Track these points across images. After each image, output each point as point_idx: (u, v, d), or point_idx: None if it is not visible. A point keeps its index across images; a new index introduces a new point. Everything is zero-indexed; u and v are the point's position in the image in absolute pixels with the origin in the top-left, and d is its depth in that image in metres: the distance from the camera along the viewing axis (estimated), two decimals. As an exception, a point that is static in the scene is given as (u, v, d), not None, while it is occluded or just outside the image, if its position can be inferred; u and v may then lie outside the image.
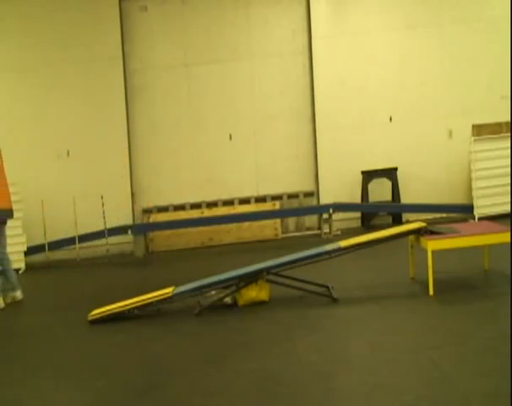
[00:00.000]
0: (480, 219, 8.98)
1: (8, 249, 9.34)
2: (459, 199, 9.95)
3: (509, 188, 8.88)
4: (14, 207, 9.30)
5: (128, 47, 10.38)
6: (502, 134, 9.68)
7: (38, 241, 9.69)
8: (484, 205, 9.31)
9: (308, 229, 10.37)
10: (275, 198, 10.30)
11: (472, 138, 9.60)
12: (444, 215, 9.89)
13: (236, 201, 10.26)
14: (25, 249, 9.46)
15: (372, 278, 6.42)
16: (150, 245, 10.20)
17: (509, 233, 5.47)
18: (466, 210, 9.50)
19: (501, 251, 5.88)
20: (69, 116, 10.21)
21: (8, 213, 7.22)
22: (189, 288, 5.81)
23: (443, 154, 10.17)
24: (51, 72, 10.15)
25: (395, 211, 10.02)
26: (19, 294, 7.05)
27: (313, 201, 10.37)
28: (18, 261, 9.39)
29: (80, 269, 9.32)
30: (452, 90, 10.14)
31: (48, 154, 10.20)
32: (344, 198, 10.04)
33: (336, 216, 9.74)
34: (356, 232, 8.85)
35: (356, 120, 10.23)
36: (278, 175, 10.39)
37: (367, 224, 9.99)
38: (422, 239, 5.67)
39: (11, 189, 9.32)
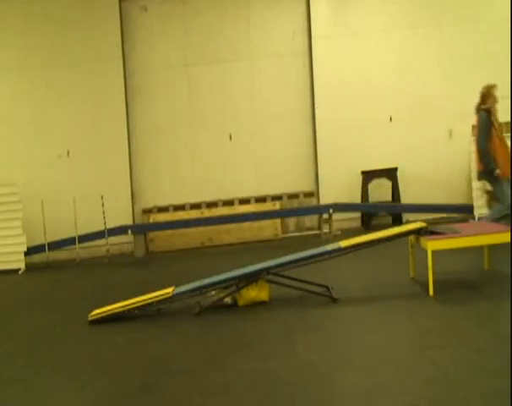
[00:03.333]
0: (480, 219, 8.97)
1: (8, 250, 9.43)
2: (459, 199, 9.96)
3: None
4: (14, 207, 9.37)
5: (128, 48, 10.38)
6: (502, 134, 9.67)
7: (38, 241, 9.69)
8: (484, 206, 9.28)
9: (308, 229, 10.37)
10: (274, 198, 10.31)
11: (472, 138, 9.56)
12: (444, 215, 9.88)
13: (236, 201, 10.26)
14: (25, 249, 9.45)
15: (372, 278, 6.42)
16: (150, 245, 10.20)
17: (509, 233, 5.47)
18: (466, 210, 9.50)
19: (501, 251, 5.88)
20: (69, 116, 10.22)
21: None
22: (189, 288, 5.80)
23: (443, 154, 10.17)
24: (52, 72, 10.16)
25: (395, 211, 10.02)
26: None
27: (313, 201, 10.37)
28: (18, 261, 9.40)
29: (80, 269, 9.32)
30: (452, 90, 10.14)
31: (48, 154, 10.21)
32: (344, 198, 10.04)
33: (336, 216, 9.75)
34: (357, 232, 8.86)
35: (356, 120, 10.23)
36: (278, 175, 10.39)
37: (367, 224, 9.99)
38: (422, 239, 5.67)
39: (11, 189, 9.39)
